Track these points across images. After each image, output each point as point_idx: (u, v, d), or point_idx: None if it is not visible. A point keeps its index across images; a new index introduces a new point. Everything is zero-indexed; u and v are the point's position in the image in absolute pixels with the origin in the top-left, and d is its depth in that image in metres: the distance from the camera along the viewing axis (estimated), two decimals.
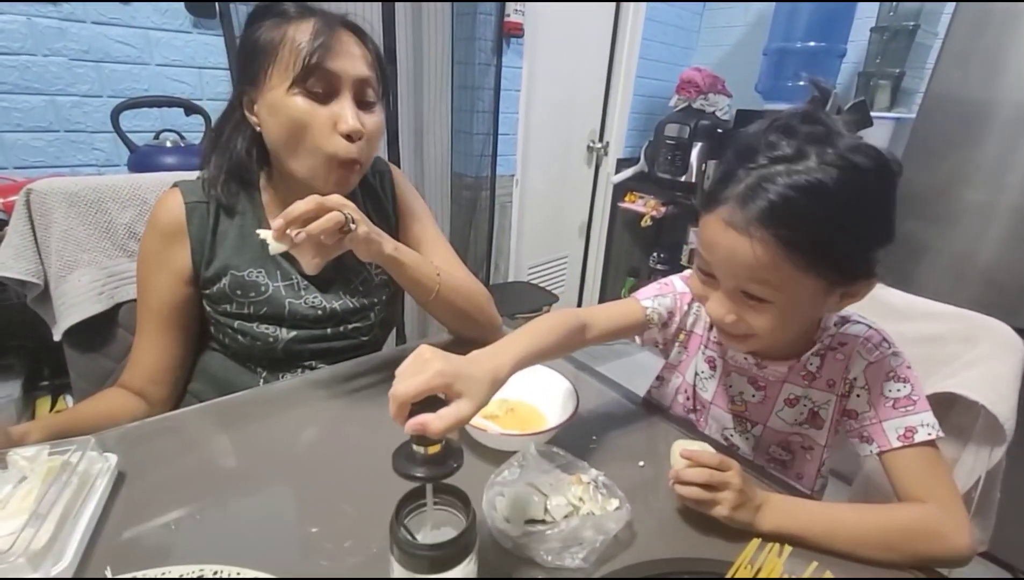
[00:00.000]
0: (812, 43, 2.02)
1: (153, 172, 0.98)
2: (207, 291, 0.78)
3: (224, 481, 0.59)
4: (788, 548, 0.48)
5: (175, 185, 0.78)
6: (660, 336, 0.78)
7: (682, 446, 0.58)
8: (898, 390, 0.61)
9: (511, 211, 2.33)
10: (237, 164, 0.76)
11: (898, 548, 0.53)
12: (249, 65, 0.71)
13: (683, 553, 0.50)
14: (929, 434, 0.59)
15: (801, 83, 2.19)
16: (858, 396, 0.64)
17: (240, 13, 1.40)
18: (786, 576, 0.46)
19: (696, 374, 0.77)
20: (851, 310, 0.65)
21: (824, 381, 0.67)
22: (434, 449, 0.41)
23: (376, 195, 0.92)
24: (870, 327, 0.66)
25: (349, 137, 0.70)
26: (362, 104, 0.73)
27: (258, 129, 0.74)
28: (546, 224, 2.59)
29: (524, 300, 2.25)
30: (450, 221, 2.26)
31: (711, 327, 0.75)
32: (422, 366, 0.45)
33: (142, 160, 1.27)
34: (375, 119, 0.75)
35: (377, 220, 0.92)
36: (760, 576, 0.46)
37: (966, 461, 0.74)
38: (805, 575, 0.46)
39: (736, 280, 0.56)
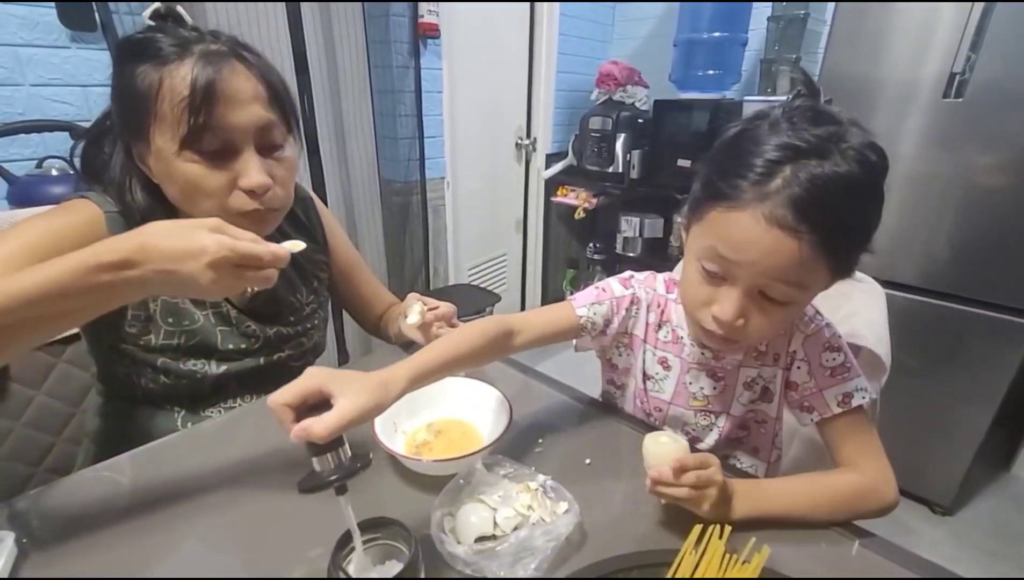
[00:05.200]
0: (717, 33, 2.12)
1: (39, 205, 0.89)
2: (129, 316, 0.69)
3: (148, 541, 0.54)
4: (728, 529, 0.50)
5: (81, 196, 0.67)
6: (596, 344, 0.77)
7: (654, 440, 0.56)
8: (833, 359, 0.65)
9: (444, 213, 2.30)
10: (143, 207, 0.68)
11: (843, 510, 0.59)
12: (129, 116, 0.63)
13: (633, 547, 0.51)
14: (863, 397, 0.63)
15: (711, 72, 2.28)
16: (799, 368, 0.67)
17: (126, 24, 1.28)
18: (727, 556, 0.48)
19: (646, 377, 0.76)
20: None
21: (771, 356, 0.69)
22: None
23: (302, 224, 0.89)
24: None
25: (253, 192, 0.65)
26: (268, 149, 0.66)
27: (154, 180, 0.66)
28: (482, 224, 2.58)
29: (467, 302, 2.23)
30: (382, 228, 2.20)
31: (659, 328, 0.74)
32: (301, 376, 0.46)
33: (24, 192, 1.14)
34: (285, 162, 0.68)
35: (307, 248, 0.88)
36: (704, 559, 0.48)
37: None
38: (744, 552, 0.48)
39: (762, 281, 0.54)
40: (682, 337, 0.73)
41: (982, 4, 1.29)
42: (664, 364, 0.74)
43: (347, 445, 0.45)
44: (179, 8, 0.65)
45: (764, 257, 0.52)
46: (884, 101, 1.50)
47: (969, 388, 1.52)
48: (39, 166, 1.20)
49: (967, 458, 1.57)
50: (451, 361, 0.59)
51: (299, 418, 0.43)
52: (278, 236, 0.84)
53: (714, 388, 0.72)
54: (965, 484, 1.61)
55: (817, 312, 0.68)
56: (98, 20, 1.26)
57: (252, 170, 0.63)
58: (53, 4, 1.21)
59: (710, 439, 0.74)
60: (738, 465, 0.75)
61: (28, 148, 1.24)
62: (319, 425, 0.42)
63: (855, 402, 0.63)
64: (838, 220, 0.50)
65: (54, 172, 1.18)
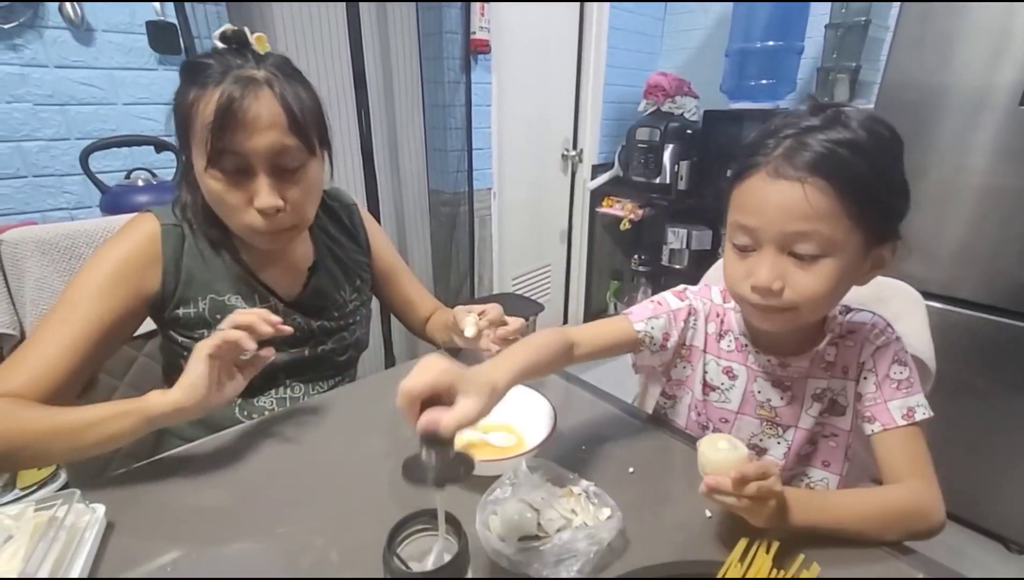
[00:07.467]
0: (771, 42, 2.07)
1: (126, 212, 0.98)
2: (180, 315, 0.76)
3: (217, 521, 0.58)
4: (776, 544, 0.49)
5: (147, 210, 0.77)
6: (657, 360, 0.76)
7: (712, 445, 0.54)
8: (900, 373, 0.65)
9: (491, 224, 2.35)
10: (205, 207, 0.75)
11: (893, 527, 0.57)
12: (178, 131, 0.71)
13: (675, 556, 0.51)
14: (924, 414, 0.63)
15: (764, 81, 2.24)
16: (865, 378, 0.66)
17: (207, 47, 1.39)
18: (773, 572, 0.47)
19: (709, 387, 0.75)
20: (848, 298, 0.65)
21: (840, 368, 0.68)
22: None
23: (346, 228, 0.95)
24: (874, 314, 0.69)
25: (264, 212, 0.70)
26: (284, 171, 0.70)
27: None
28: (527, 234, 2.61)
29: (510, 311, 2.23)
30: (430, 237, 2.26)
31: (721, 338, 0.74)
32: (429, 367, 0.46)
33: (115, 200, 1.26)
34: (302, 184, 0.72)
35: (351, 249, 0.94)
36: (749, 574, 0.47)
37: None
38: (792, 569, 0.48)
39: (784, 237, 0.56)
40: (746, 345, 0.72)
41: None
42: (729, 374, 0.73)
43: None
44: (246, 31, 0.70)
45: (776, 211, 0.56)
46: (953, 109, 1.43)
47: None
48: (128, 177, 1.32)
49: None
50: (533, 368, 0.59)
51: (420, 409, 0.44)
52: (326, 240, 0.90)
53: (782, 399, 0.71)
54: None
55: (888, 325, 0.68)
56: (182, 44, 1.38)
57: (263, 193, 0.69)
58: (145, 31, 1.34)
59: (777, 453, 0.73)
60: (808, 481, 0.74)
61: (119, 160, 1.36)
62: (448, 419, 0.42)
63: (918, 417, 0.63)
64: (837, 165, 0.54)
65: (140, 182, 1.29)
